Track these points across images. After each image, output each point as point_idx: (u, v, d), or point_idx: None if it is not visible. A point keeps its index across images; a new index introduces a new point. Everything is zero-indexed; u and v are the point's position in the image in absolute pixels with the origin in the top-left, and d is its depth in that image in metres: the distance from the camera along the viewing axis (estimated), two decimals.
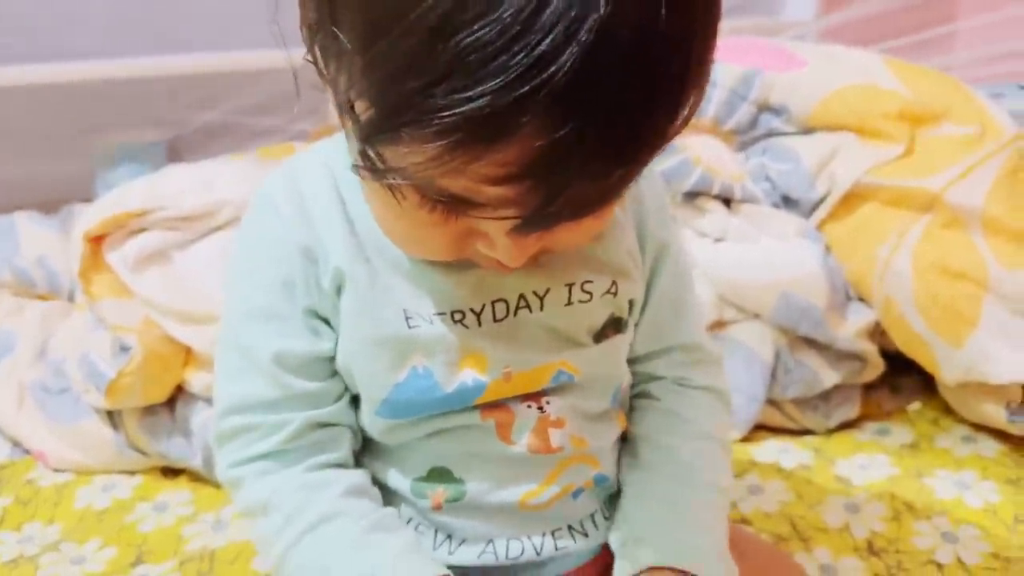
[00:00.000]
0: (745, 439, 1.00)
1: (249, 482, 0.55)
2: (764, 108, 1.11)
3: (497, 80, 0.35)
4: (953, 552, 0.82)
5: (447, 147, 0.38)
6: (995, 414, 0.96)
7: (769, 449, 0.99)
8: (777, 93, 1.10)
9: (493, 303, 0.53)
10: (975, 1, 1.69)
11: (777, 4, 1.81)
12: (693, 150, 1.07)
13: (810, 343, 1.02)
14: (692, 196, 1.06)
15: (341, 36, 0.40)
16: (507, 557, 0.57)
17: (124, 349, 0.90)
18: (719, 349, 0.66)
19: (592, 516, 0.59)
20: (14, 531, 0.88)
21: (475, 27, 0.35)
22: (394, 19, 0.36)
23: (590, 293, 0.55)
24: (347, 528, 0.53)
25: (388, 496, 0.58)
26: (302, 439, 0.55)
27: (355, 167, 0.43)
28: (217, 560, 0.83)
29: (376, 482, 0.58)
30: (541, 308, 0.54)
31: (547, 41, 0.35)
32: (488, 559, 0.57)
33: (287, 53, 0.45)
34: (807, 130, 1.10)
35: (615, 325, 0.57)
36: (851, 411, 1.04)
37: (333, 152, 0.55)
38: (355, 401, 0.57)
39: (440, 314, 0.53)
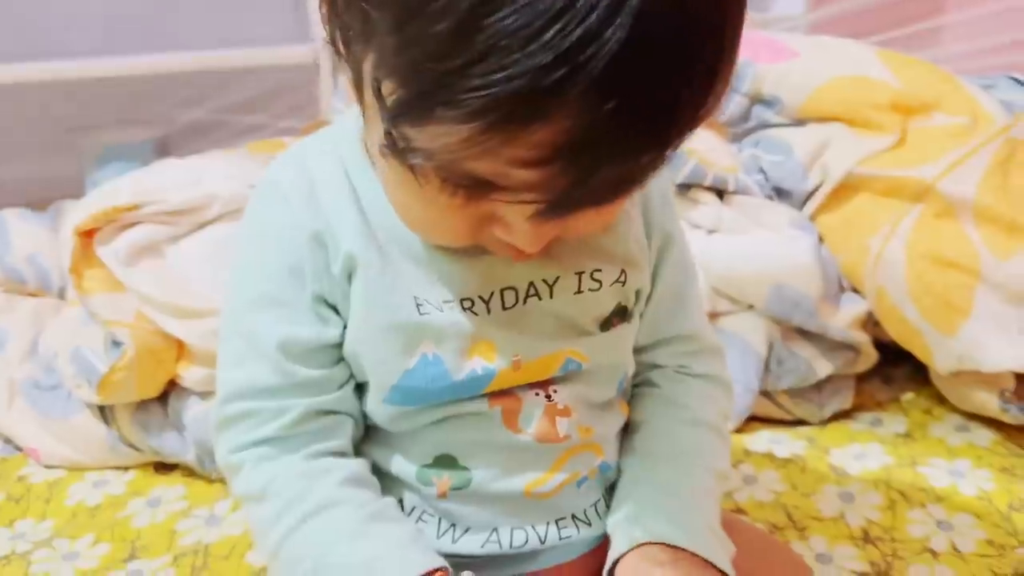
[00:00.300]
0: (739, 430, 1.01)
1: (248, 467, 0.55)
2: (756, 100, 1.12)
3: (535, 61, 0.35)
4: (948, 540, 0.82)
5: (480, 128, 0.37)
6: (988, 403, 0.97)
7: (763, 439, 1.00)
8: (769, 85, 1.10)
9: (502, 291, 0.53)
10: None
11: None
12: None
13: (803, 334, 1.03)
14: (686, 188, 1.06)
15: (373, 14, 0.39)
16: (511, 546, 0.57)
17: (116, 344, 0.89)
18: (719, 339, 0.66)
19: (595, 505, 0.60)
20: (6, 528, 0.87)
21: (514, 6, 0.35)
22: None
23: (600, 282, 0.55)
24: (346, 517, 0.53)
25: (392, 484, 0.58)
26: (303, 426, 0.54)
27: (381, 147, 0.43)
28: (211, 555, 0.83)
29: (380, 470, 0.58)
30: (551, 296, 0.54)
31: (587, 23, 0.35)
32: (492, 548, 0.57)
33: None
34: (799, 121, 1.10)
35: (621, 314, 0.57)
36: (845, 401, 1.04)
37: (342, 137, 0.55)
38: (359, 389, 0.57)
39: (449, 301, 0.52)
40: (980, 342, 0.93)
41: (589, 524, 0.59)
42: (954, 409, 1.03)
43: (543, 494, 0.57)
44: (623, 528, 0.56)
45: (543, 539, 0.57)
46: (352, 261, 0.52)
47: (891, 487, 0.90)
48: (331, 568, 0.52)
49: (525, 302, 0.54)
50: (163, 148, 1.61)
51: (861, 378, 1.07)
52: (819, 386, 1.03)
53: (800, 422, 1.03)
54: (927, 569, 0.79)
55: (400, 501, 0.58)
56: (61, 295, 1.10)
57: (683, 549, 0.54)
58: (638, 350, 0.63)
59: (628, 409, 0.62)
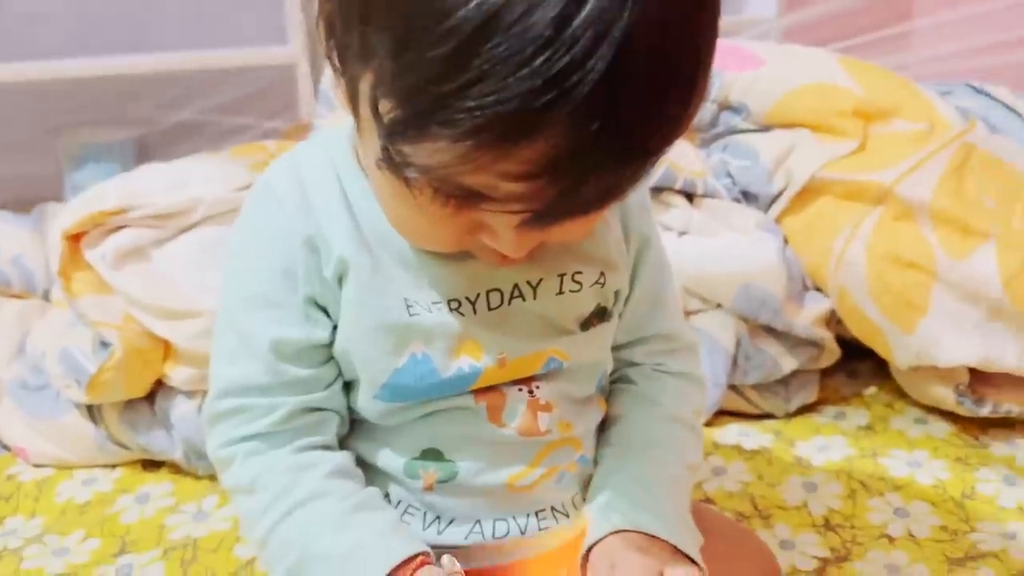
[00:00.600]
0: (708, 423, 1.04)
1: (238, 461, 0.57)
2: (724, 107, 1.15)
3: (525, 85, 0.38)
4: (904, 526, 0.87)
5: (473, 145, 0.40)
6: (945, 396, 1.01)
7: (731, 432, 1.04)
8: (736, 92, 1.14)
9: (488, 292, 0.56)
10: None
11: (740, 2, 1.85)
12: None
13: (769, 331, 1.06)
14: (657, 191, 1.09)
15: (372, 37, 0.42)
16: (493, 536, 0.60)
17: (104, 345, 0.91)
18: (695, 337, 0.69)
19: (572, 498, 0.62)
20: None
21: (509, 34, 0.37)
22: (429, 25, 0.39)
23: (580, 283, 0.57)
24: (332, 507, 0.55)
25: (379, 477, 0.60)
26: (292, 422, 0.57)
27: (377, 160, 0.45)
28: (200, 548, 0.85)
29: (366, 464, 0.60)
30: (534, 297, 0.56)
31: (572, 52, 0.37)
32: (475, 539, 0.60)
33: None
34: (765, 127, 1.14)
35: (601, 314, 0.60)
36: (810, 395, 1.08)
37: (334, 144, 0.57)
38: (347, 387, 0.59)
39: (438, 303, 0.55)
40: (936, 338, 0.98)
41: (567, 516, 0.62)
42: (914, 403, 1.08)
43: (525, 487, 0.59)
44: (601, 514, 0.59)
45: (524, 530, 0.60)
46: (344, 265, 0.55)
47: (852, 477, 0.94)
48: (317, 557, 0.54)
49: (510, 303, 0.56)
50: (144, 148, 1.61)
51: (826, 373, 1.11)
52: (785, 381, 1.07)
53: (767, 416, 1.06)
54: (883, 554, 0.83)
55: (386, 495, 0.60)
56: (46, 297, 1.11)
57: (657, 537, 0.57)
58: (616, 348, 0.65)
59: (605, 404, 0.65)
